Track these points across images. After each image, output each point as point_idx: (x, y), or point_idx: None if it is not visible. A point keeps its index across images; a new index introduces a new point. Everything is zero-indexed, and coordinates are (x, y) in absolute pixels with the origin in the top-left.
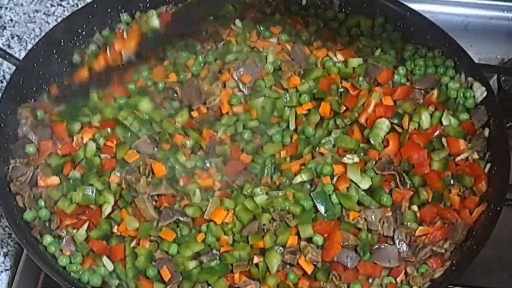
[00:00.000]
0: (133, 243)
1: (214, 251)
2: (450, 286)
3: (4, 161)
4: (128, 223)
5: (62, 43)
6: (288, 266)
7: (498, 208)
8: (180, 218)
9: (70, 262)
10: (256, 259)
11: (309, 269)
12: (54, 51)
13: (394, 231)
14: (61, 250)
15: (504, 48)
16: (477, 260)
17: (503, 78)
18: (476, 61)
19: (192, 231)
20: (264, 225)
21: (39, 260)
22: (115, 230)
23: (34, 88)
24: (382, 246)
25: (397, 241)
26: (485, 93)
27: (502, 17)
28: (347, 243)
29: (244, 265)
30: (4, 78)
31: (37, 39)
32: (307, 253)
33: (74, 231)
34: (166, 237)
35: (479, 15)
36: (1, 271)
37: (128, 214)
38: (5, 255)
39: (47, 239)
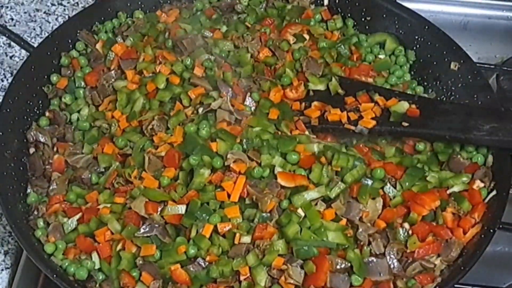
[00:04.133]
0: (119, 246)
1: (199, 259)
2: None
3: (6, 145)
4: (110, 223)
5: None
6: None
7: (491, 231)
8: (158, 235)
9: (56, 250)
10: (241, 277)
11: None
12: (69, 41)
13: (385, 247)
14: (47, 236)
15: (503, 47)
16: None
17: (502, 78)
18: (475, 60)
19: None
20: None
21: (30, 251)
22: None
23: (45, 77)
24: (372, 260)
25: (387, 257)
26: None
27: (501, 17)
28: (337, 267)
29: (227, 281)
30: (5, 77)
31: (38, 38)
32: (287, 277)
33: (65, 219)
34: (147, 252)
35: (478, 15)
36: (2, 270)
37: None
38: (6, 253)
39: (40, 223)
